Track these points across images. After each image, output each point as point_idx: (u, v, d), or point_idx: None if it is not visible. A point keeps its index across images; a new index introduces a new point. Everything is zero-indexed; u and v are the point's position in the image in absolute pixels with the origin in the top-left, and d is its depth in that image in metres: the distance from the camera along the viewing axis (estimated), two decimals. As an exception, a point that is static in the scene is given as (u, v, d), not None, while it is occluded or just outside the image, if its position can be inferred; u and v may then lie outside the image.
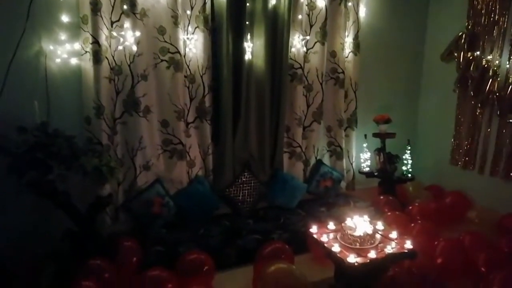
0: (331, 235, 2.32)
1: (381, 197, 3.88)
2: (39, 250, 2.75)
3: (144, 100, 3.20)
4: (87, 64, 2.97)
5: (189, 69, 3.33)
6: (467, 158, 4.09)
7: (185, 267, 2.58)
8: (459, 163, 4.18)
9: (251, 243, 3.06)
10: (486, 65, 3.78)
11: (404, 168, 4.09)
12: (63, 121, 2.83)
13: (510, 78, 3.54)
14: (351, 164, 4.23)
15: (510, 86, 3.53)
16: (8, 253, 2.64)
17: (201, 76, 3.38)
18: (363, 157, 4.19)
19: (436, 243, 2.92)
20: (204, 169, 3.55)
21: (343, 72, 3.96)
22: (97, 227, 2.89)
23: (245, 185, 3.62)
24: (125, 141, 3.23)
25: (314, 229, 2.37)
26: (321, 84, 3.88)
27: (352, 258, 2.01)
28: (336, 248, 2.14)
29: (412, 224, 3.23)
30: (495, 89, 3.69)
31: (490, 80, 3.73)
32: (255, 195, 3.67)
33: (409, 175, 4.08)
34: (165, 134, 3.34)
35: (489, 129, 3.84)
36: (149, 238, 3.02)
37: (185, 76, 3.31)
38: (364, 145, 4.17)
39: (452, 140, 4.26)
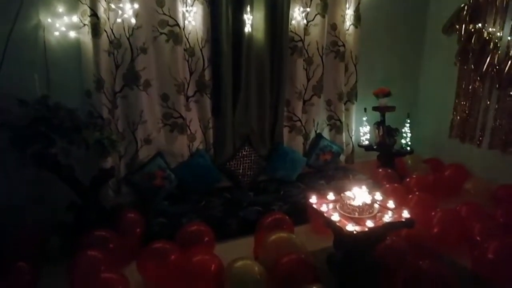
0: (331, 205, 2.36)
1: (380, 170, 3.93)
2: (44, 222, 2.81)
3: (144, 74, 3.19)
4: (86, 37, 2.95)
5: (189, 42, 3.31)
6: (466, 131, 4.11)
7: (185, 239, 2.64)
8: (458, 136, 4.21)
9: (252, 214, 3.12)
10: (487, 38, 3.75)
11: (403, 141, 4.12)
12: (64, 95, 2.84)
13: (511, 51, 3.52)
14: (351, 137, 4.26)
15: (510, 60, 3.51)
16: (13, 223, 2.70)
17: (201, 49, 3.36)
18: (362, 131, 4.22)
19: (433, 213, 2.98)
20: (204, 143, 3.58)
21: (343, 45, 3.93)
22: (100, 200, 2.94)
23: (245, 158, 3.66)
24: (125, 115, 3.24)
25: (313, 199, 2.42)
26: (321, 57, 3.86)
27: (350, 227, 2.06)
28: (335, 217, 2.19)
29: (410, 196, 3.28)
30: (495, 62, 3.67)
31: (491, 53, 3.71)
32: (255, 169, 3.72)
33: (408, 148, 4.11)
34: (165, 108, 3.35)
35: (488, 102, 3.85)
36: (151, 210, 3.08)
37: (184, 49, 3.29)
38: (364, 118, 4.18)
39: (452, 113, 4.27)
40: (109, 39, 3.01)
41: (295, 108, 3.89)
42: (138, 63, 3.15)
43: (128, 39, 3.08)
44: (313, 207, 2.37)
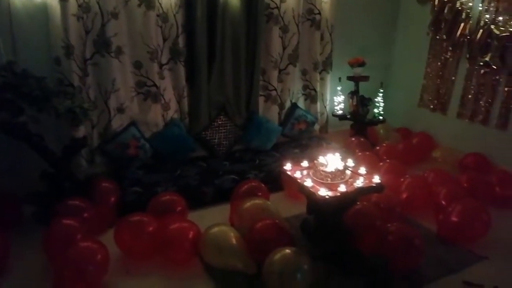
0: (304, 172, 2.42)
1: (353, 139, 4.02)
2: (17, 190, 2.76)
3: (115, 40, 3.09)
4: (53, 0, 2.82)
5: (162, 7, 3.21)
6: (435, 101, 4.23)
7: (158, 208, 2.65)
8: (428, 105, 4.32)
9: (228, 183, 3.16)
10: (459, 8, 3.80)
11: (376, 110, 4.20)
12: (31, 61, 2.74)
13: (482, 21, 3.59)
14: (325, 107, 4.31)
15: (481, 29, 3.59)
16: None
17: (174, 15, 3.27)
18: (337, 100, 4.26)
19: (402, 179, 3.10)
20: (179, 112, 3.54)
21: (319, 13, 3.90)
22: (72, 169, 2.91)
23: (221, 128, 3.66)
24: (97, 83, 3.16)
25: (288, 166, 2.47)
26: (297, 25, 3.82)
27: (323, 192, 2.12)
28: (308, 183, 2.25)
29: (381, 163, 3.39)
30: (467, 31, 3.74)
31: (463, 22, 3.77)
32: (231, 138, 3.73)
33: (380, 117, 4.20)
34: (138, 76, 3.28)
35: (458, 72, 3.94)
36: (126, 179, 3.07)
37: (157, 15, 3.20)
38: (338, 88, 4.22)
39: (422, 83, 4.36)
40: (77, 3, 2.88)
41: (271, 77, 3.88)
42: (109, 29, 3.04)
43: (97, 3, 2.96)
44: (287, 174, 2.43)
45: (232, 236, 2.31)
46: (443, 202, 2.88)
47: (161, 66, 3.34)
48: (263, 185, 2.98)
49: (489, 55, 3.55)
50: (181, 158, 3.45)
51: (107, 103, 3.19)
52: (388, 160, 3.45)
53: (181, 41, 3.36)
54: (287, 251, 2.12)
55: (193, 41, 3.37)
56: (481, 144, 3.73)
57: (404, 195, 2.99)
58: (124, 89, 3.24)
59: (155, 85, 3.32)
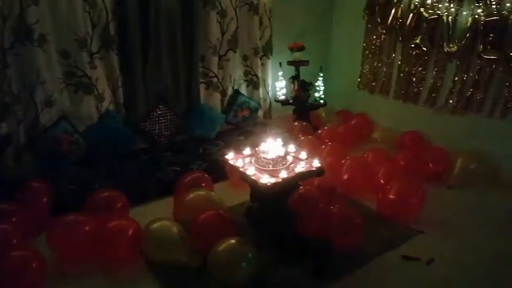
0: (246, 160, 2.39)
1: (296, 124, 4.06)
2: None
3: (37, 28, 2.84)
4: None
5: (88, -8, 3.00)
6: (373, 83, 4.36)
7: (96, 207, 2.51)
8: (366, 88, 4.45)
9: (170, 175, 3.07)
10: (391, -9, 3.92)
11: (317, 94, 4.26)
12: None
13: (412, 5, 3.72)
14: (267, 93, 4.30)
15: (411, 13, 3.73)
16: None
17: (103, 0, 3.06)
18: (278, 86, 4.27)
19: (343, 161, 3.17)
20: (115, 103, 3.36)
21: (257, -3, 3.86)
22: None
23: (161, 118, 3.52)
24: (20, 74, 2.89)
25: (230, 155, 2.43)
26: (235, 10, 3.75)
27: (265, 179, 2.11)
28: (250, 171, 2.23)
29: (323, 146, 3.45)
30: (399, 15, 3.87)
31: (395, 6, 3.90)
32: (172, 128, 3.61)
33: (322, 101, 4.27)
34: (66, 66, 3.05)
35: (393, 55, 4.09)
36: (59, 177, 2.87)
37: (84, 0, 2.98)
38: (280, 73, 4.23)
39: (360, 65, 4.47)
40: (-11, -13, 2.61)
41: (211, 63, 3.79)
42: (30, 15, 2.78)
43: (13, -13, 2.70)
44: (229, 163, 2.38)
45: (175, 230, 2.24)
46: (382, 181, 3.00)
47: (91, 55, 3.13)
48: (206, 175, 2.93)
49: (419, 37, 3.70)
50: (120, 151, 3.28)
51: (33, 96, 2.94)
52: (329, 143, 3.51)
53: (112, 28, 3.16)
54: (232, 241, 2.09)
55: (125, 27, 3.19)
56: (416, 122, 3.91)
57: (346, 176, 3.07)
58: (51, 81, 2.99)
59: (86, 75, 3.11)
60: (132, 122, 3.42)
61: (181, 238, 2.21)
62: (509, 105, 3.16)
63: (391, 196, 2.74)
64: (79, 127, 3.16)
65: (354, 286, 2.17)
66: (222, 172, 3.18)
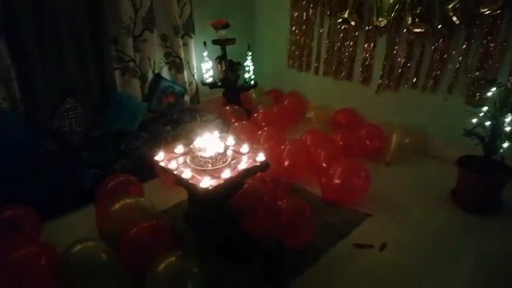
0: (180, 160, 2.06)
1: (227, 108, 3.77)
2: None
3: None
4: None
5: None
6: (302, 60, 4.19)
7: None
8: (295, 65, 4.27)
9: (88, 180, 2.63)
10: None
11: (246, 75, 3.98)
12: None
13: (338, -23, 3.57)
14: (193, 75, 3.93)
15: (338, -15, 3.57)
16: None
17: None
18: (204, 67, 3.91)
19: (282, 147, 2.97)
20: (9, 100, 2.76)
21: (172, -31, 3.42)
22: None
23: (70, 113, 3.00)
24: None
25: (160, 156, 2.07)
26: (148, -17, 3.29)
27: (205, 183, 1.81)
28: (187, 173, 1.90)
29: (259, 132, 3.22)
30: (325, -13, 3.70)
31: (320, -22, 3.72)
32: (85, 123, 3.10)
33: (252, 82, 4.01)
34: None
35: (321, 30, 3.93)
36: None
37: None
38: (205, 53, 3.86)
39: (288, 42, 4.27)
40: None
41: (125, 46, 3.31)
42: None
43: None
44: (161, 166, 2.03)
45: (101, 252, 1.86)
46: (324, 164, 2.87)
47: (-30, 41, 2.51)
48: (132, 177, 2.54)
49: (347, 11, 3.56)
50: (23, 160, 2.71)
51: None
52: (265, 128, 3.29)
53: (-6, 6, 2.55)
54: (171, 258, 1.79)
55: (11, 5, 2.60)
56: (348, 99, 3.83)
57: (287, 163, 2.88)
58: None
59: (-35, 67, 2.50)
60: (34, 121, 2.86)
61: (109, 261, 1.84)
62: (439, 78, 3.17)
63: (336, 181, 2.61)
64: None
65: (309, 285, 2.00)
66: (150, 170, 2.78)
